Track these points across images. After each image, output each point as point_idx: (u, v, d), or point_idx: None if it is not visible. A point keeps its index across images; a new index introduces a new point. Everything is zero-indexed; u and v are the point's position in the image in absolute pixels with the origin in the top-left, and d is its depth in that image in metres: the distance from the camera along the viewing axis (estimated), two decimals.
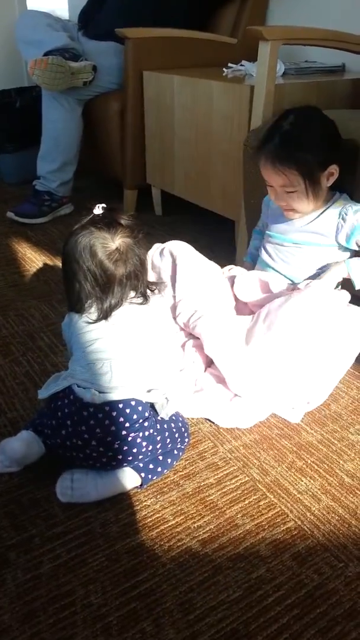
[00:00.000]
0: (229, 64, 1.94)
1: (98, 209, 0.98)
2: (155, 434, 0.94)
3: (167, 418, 0.97)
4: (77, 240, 0.95)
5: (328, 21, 2.09)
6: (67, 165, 2.16)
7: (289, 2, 2.24)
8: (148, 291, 1.03)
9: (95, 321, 0.97)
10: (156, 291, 1.07)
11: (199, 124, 1.83)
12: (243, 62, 1.92)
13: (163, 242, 1.26)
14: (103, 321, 0.98)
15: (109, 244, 0.95)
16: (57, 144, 2.12)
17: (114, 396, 0.91)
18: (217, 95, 1.72)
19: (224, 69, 1.93)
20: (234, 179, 1.74)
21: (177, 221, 2.22)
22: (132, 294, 1.00)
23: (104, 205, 0.99)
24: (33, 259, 1.89)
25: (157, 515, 0.92)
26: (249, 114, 1.58)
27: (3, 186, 2.63)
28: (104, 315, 0.97)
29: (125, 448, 0.91)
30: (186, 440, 1.03)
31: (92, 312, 0.98)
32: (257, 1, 2.25)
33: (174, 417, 1.00)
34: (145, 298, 1.01)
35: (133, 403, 0.91)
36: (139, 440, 0.92)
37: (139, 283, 1.00)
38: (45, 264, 1.85)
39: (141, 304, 1.01)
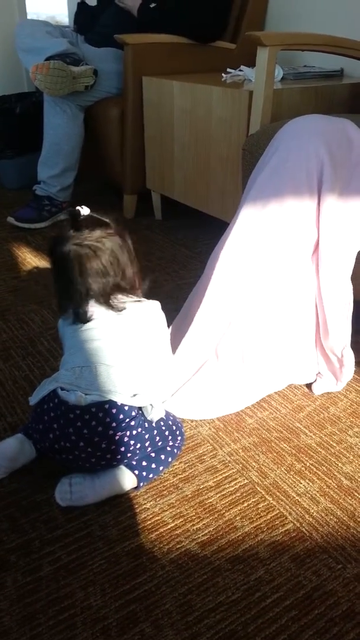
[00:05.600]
0: (228, 69, 1.95)
1: (78, 210, 0.97)
2: (143, 432, 0.94)
3: (154, 422, 0.97)
4: (54, 241, 0.97)
5: (326, 26, 2.11)
6: (68, 170, 2.18)
7: (287, 8, 2.25)
8: (144, 297, 1.02)
9: (76, 323, 0.98)
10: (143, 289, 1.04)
11: (198, 129, 1.84)
12: (242, 67, 1.93)
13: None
14: (91, 325, 0.97)
15: (81, 242, 0.95)
16: (58, 150, 2.13)
17: (99, 397, 0.91)
18: (216, 100, 1.73)
19: (222, 74, 1.94)
20: (232, 183, 1.76)
21: (177, 225, 2.23)
22: (120, 296, 0.99)
23: (84, 206, 0.98)
24: (33, 263, 1.90)
25: (157, 518, 0.93)
26: (248, 119, 1.59)
27: (3, 192, 2.64)
28: (78, 315, 0.97)
29: (114, 447, 0.91)
30: (179, 438, 1.03)
31: (70, 314, 0.99)
32: (256, 7, 2.26)
33: (163, 416, 1.00)
34: (113, 305, 0.98)
35: (119, 403, 0.91)
36: (126, 439, 0.92)
37: (112, 280, 0.97)
38: (45, 269, 1.85)
39: (126, 309, 0.99)
